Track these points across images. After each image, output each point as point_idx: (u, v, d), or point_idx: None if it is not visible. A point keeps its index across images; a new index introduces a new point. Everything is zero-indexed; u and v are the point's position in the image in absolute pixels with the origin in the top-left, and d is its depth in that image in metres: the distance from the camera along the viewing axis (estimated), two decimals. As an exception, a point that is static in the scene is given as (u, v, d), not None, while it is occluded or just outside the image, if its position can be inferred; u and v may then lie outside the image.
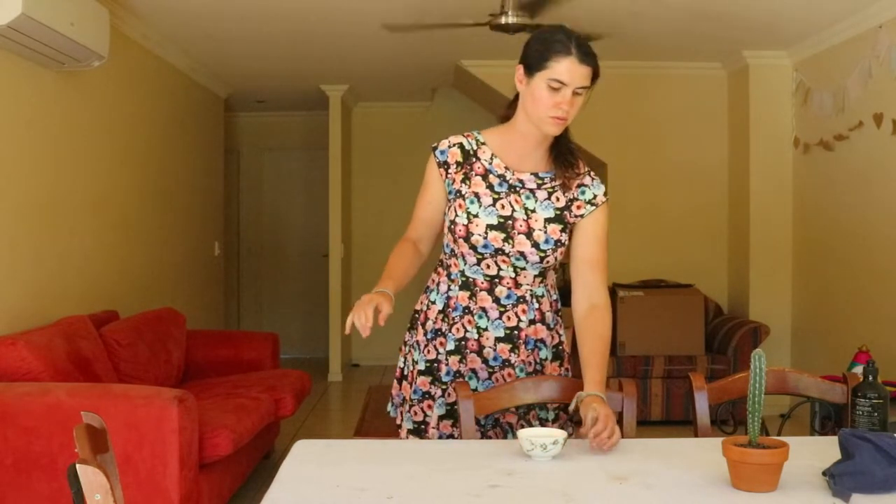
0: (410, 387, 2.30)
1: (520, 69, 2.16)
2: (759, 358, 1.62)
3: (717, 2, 4.91)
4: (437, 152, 2.27)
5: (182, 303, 5.98)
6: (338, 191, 7.81)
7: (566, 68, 2.07)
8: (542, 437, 1.81)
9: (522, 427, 2.24)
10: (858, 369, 2.94)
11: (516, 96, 2.22)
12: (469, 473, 1.72)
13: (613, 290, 6.16)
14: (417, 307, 2.36)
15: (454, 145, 2.27)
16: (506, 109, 2.28)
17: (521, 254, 2.19)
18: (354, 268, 8.61)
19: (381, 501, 1.56)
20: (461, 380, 2.20)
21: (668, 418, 5.91)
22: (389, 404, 2.41)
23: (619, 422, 2.17)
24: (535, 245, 2.18)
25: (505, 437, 2.25)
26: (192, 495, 3.34)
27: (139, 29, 5.27)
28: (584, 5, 4.71)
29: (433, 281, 2.32)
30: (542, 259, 2.19)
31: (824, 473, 1.62)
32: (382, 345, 8.53)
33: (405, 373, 2.35)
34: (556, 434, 1.84)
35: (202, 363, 5.14)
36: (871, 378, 1.95)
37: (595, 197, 2.24)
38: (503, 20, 4.47)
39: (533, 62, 2.11)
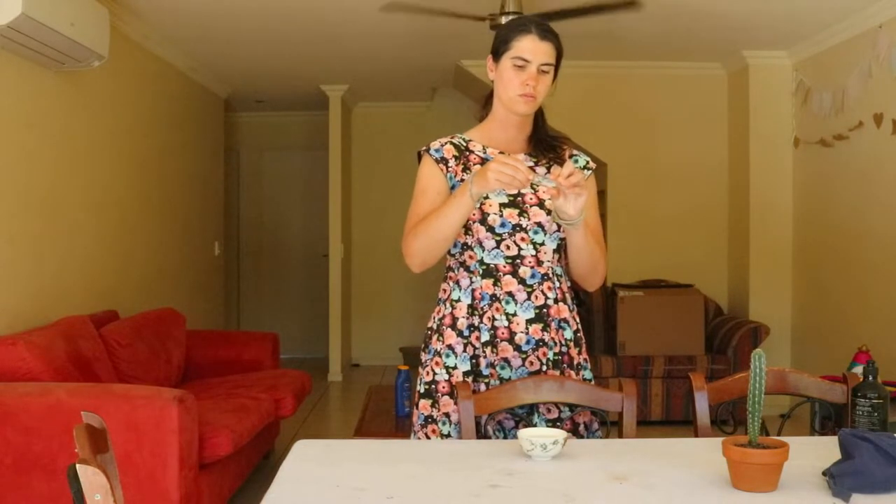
0: (451, 397, 2.21)
1: (489, 60, 2.29)
2: (759, 358, 1.62)
3: (718, 2, 4.91)
4: (432, 151, 2.28)
5: (182, 303, 5.97)
6: (338, 191, 7.81)
7: (528, 46, 2.19)
8: (542, 437, 1.81)
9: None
10: (858, 369, 2.94)
11: (489, 96, 2.33)
12: (469, 473, 1.72)
13: (613, 290, 6.16)
14: (430, 324, 2.30)
15: (446, 143, 2.30)
16: (481, 110, 2.37)
17: (539, 225, 2.21)
18: (354, 268, 8.61)
19: (381, 501, 1.55)
20: (463, 381, 2.20)
21: (668, 418, 5.91)
22: (412, 435, 2.31)
23: (619, 422, 2.18)
24: (550, 213, 2.20)
25: (505, 437, 2.25)
26: (192, 495, 3.34)
27: (139, 29, 5.27)
28: (584, 5, 4.71)
29: (444, 291, 2.29)
30: (559, 226, 2.21)
31: (824, 473, 1.62)
32: (382, 345, 8.56)
33: (432, 387, 2.25)
34: (556, 434, 1.84)
35: (202, 363, 5.14)
36: (871, 378, 1.94)
37: (588, 163, 2.35)
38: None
39: (498, 46, 2.25)
